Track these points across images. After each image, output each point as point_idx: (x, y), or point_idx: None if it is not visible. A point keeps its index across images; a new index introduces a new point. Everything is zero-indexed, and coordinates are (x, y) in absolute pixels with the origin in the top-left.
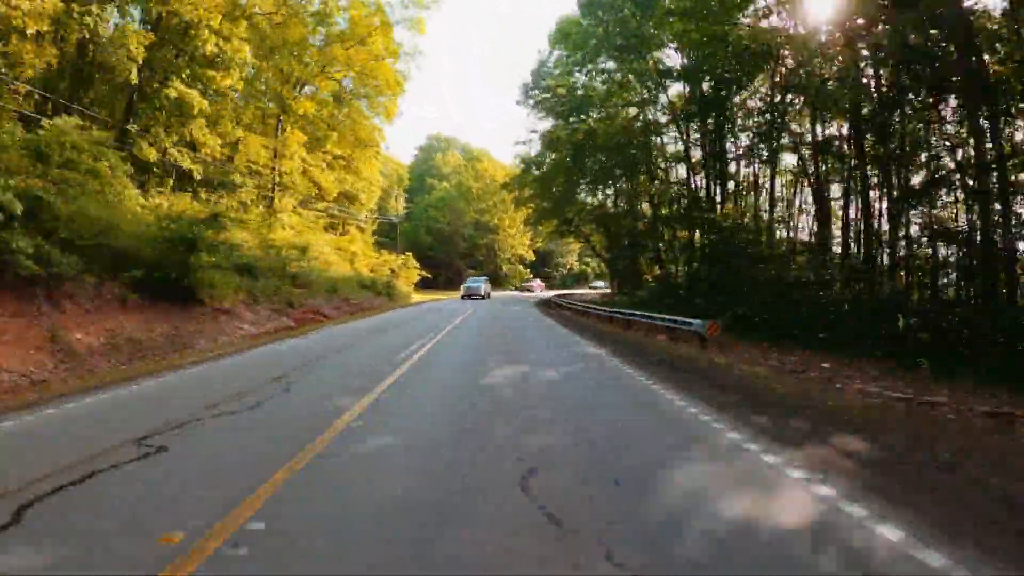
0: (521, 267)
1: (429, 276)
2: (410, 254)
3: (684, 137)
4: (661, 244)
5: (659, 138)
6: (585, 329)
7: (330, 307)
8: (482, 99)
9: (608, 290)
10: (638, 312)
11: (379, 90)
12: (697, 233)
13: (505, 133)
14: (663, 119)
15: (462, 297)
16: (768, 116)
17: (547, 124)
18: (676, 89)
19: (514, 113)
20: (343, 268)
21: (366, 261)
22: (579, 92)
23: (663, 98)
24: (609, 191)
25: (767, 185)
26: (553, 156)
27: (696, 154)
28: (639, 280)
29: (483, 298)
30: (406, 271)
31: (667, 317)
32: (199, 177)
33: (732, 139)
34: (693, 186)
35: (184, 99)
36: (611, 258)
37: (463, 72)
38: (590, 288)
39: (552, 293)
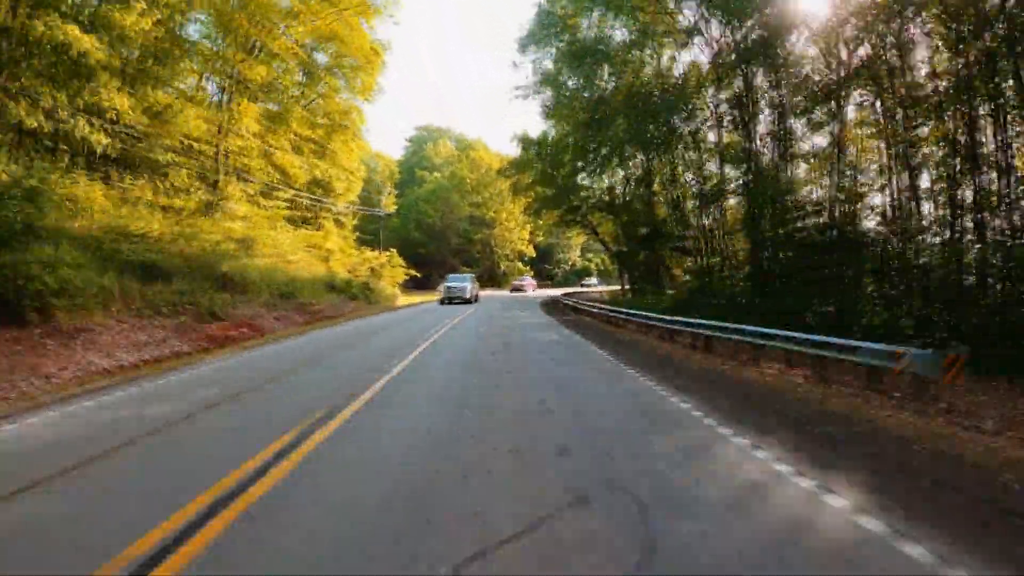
0: (520, 264)
1: (418, 275)
2: (394, 251)
3: (744, 92)
4: (694, 232)
5: (706, 91)
6: (666, 365)
7: (274, 316)
8: (476, 89)
9: (602, 287)
10: (740, 328)
11: (356, 70)
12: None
13: (500, 127)
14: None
15: (441, 301)
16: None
17: (551, 65)
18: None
19: (511, 108)
20: (316, 267)
21: (344, 259)
22: (591, 34)
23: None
24: (619, 172)
25: (833, 150)
26: (556, 130)
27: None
28: (657, 276)
29: (469, 302)
30: (391, 270)
31: (817, 338)
32: (109, 152)
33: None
34: (753, 148)
35: (72, 45)
36: (622, 251)
37: (454, 61)
38: (582, 286)
39: (549, 293)
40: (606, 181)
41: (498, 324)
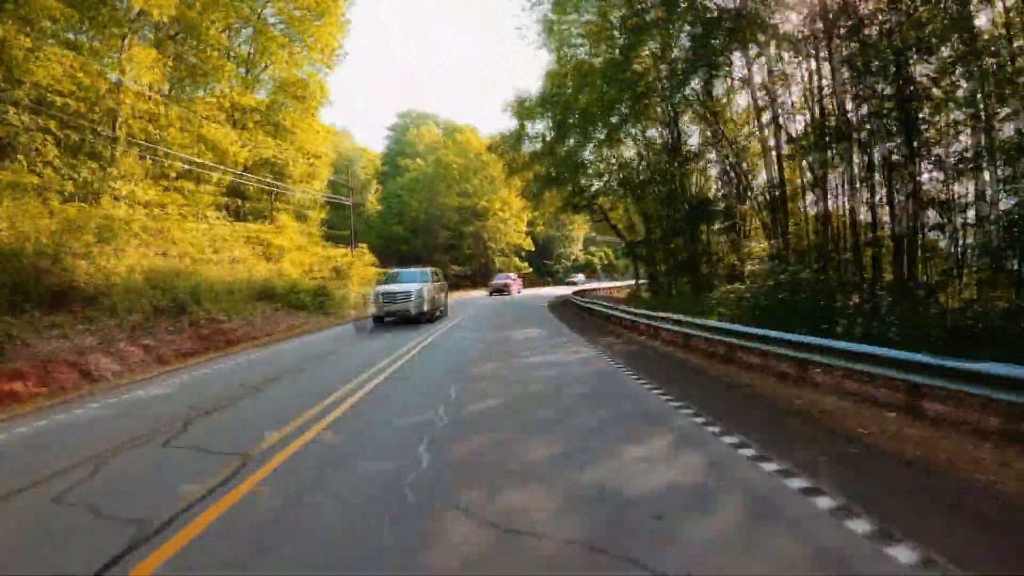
0: (518, 260)
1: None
2: (364, 247)
3: None
4: (756, 205)
5: None
6: None
7: (127, 347)
8: (465, 76)
9: (602, 284)
10: None
11: (306, 22)
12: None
13: (491, 114)
14: None
15: (373, 317)
16: None
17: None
18: None
19: (503, 90)
20: (258, 268)
21: (301, 258)
22: None
23: None
24: (630, 145)
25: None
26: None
27: None
28: (695, 270)
29: (420, 319)
30: (362, 270)
31: None
32: None
33: None
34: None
35: None
36: (641, 241)
37: (439, 47)
38: (567, 284)
39: (544, 293)
40: (625, 152)
41: (495, 383)
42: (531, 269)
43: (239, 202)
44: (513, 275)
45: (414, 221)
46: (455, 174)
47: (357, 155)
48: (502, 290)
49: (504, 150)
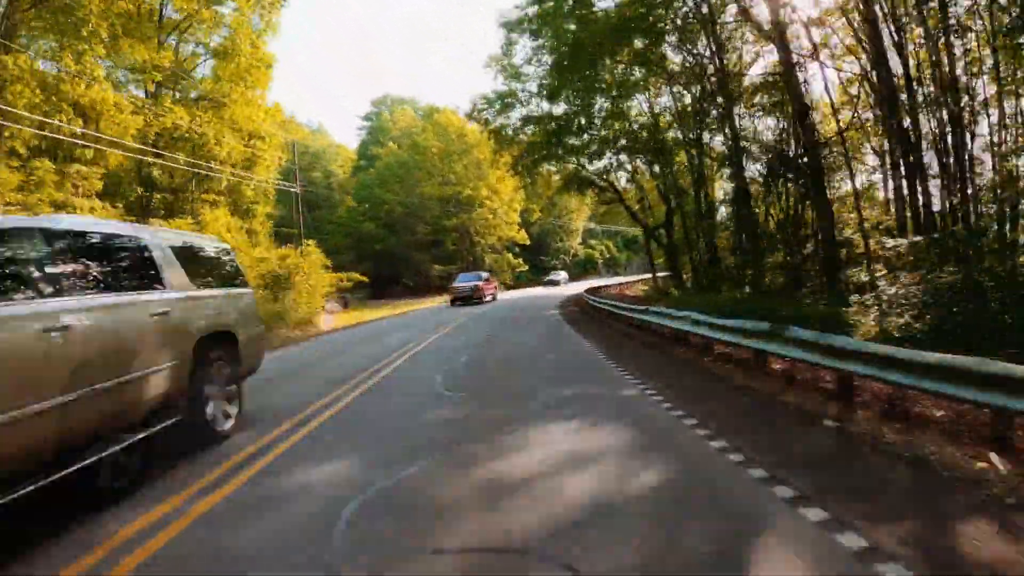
0: (511, 256)
1: (363, 280)
2: (311, 243)
3: None
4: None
5: None
6: None
7: None
8: (448, 62)
9: (558, 284)
10: None
11: None
12: None
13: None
14: None
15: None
16: None
17: None
18: None
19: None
20: None
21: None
22: None
23: None
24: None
25: None
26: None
27: None
28: (756, 260)
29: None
30: (315, 275)
31: None
32: None
33: None
34: None
35: None
36: (663, 224)
37: (419, 32)
38: (546, 284)
39: (531, 294)
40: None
41: None
42: (526, 267)
43: (141, 191)
44: (485, 274)
45: (389, 217)
46: (435, 160)
47: (333, 153)
48: (469, 297)
49: (486, 118)
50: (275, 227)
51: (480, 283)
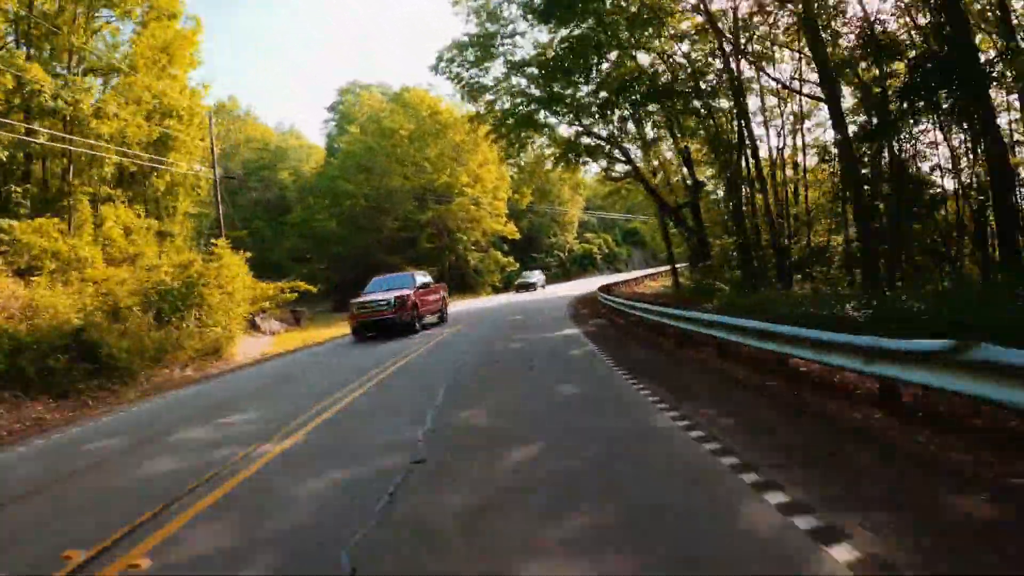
0: (499, 255)
1: (312, 290)
2: (223, 242)
3: None
4: None
5: None
6: None
7: None
8: (418, 37)
9: (534, 288)
10: None
11: None
12: None
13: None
14: None
15: None
16: None
17: None
18: None
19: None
20: None
21: (122, 273)
22: None
23: None
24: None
25: None
26: None
27: None
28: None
29: None
30: (235, 286)
31: None
32: None
33: None
34: None
35: None
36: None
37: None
38: (518, 289)
39: (515, 301)
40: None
41: None
42: (517, 265)
43: None
44: (421, 275)
45: (352, 213)
46: (404, 144)
47: (305, 153)
48: (388, 321)
49: (459, 75)
50: (210, 229)
51: (408, 292)
